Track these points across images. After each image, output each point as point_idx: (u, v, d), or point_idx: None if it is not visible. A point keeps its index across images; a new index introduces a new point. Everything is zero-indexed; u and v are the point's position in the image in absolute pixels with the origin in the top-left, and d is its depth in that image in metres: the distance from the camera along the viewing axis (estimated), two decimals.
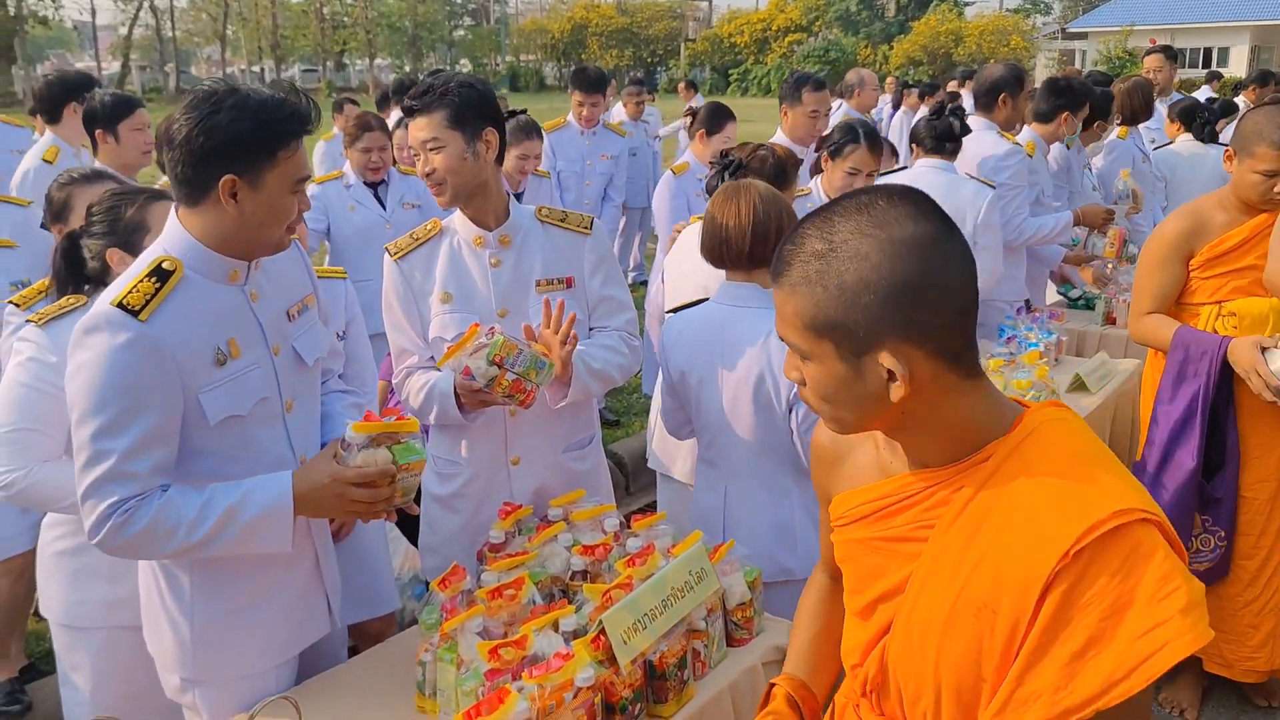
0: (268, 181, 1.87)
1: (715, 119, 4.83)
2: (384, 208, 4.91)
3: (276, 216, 1.92)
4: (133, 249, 2.27)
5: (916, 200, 1.21)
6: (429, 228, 2.57)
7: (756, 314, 2.50)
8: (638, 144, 8.33)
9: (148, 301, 1.83)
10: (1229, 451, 3.06)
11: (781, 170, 3.31)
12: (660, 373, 2.77)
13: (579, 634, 1.99)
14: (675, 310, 2.73)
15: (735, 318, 2.52)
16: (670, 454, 3.24)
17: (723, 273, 2.63)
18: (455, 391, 2.41)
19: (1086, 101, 4.84)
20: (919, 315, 1.16)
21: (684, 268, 3.18)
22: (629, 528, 2.40)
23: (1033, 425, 1.24)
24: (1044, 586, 1.13)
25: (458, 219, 2.55)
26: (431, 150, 2.39)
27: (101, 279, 2.34)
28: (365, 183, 4.89)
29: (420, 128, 2.39)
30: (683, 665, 2.03)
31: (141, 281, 1.85)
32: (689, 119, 5.78)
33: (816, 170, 3.98)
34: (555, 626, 2.00)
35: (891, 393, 1.18)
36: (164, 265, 1.89)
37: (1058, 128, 4.77)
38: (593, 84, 6.62)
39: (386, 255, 2.57)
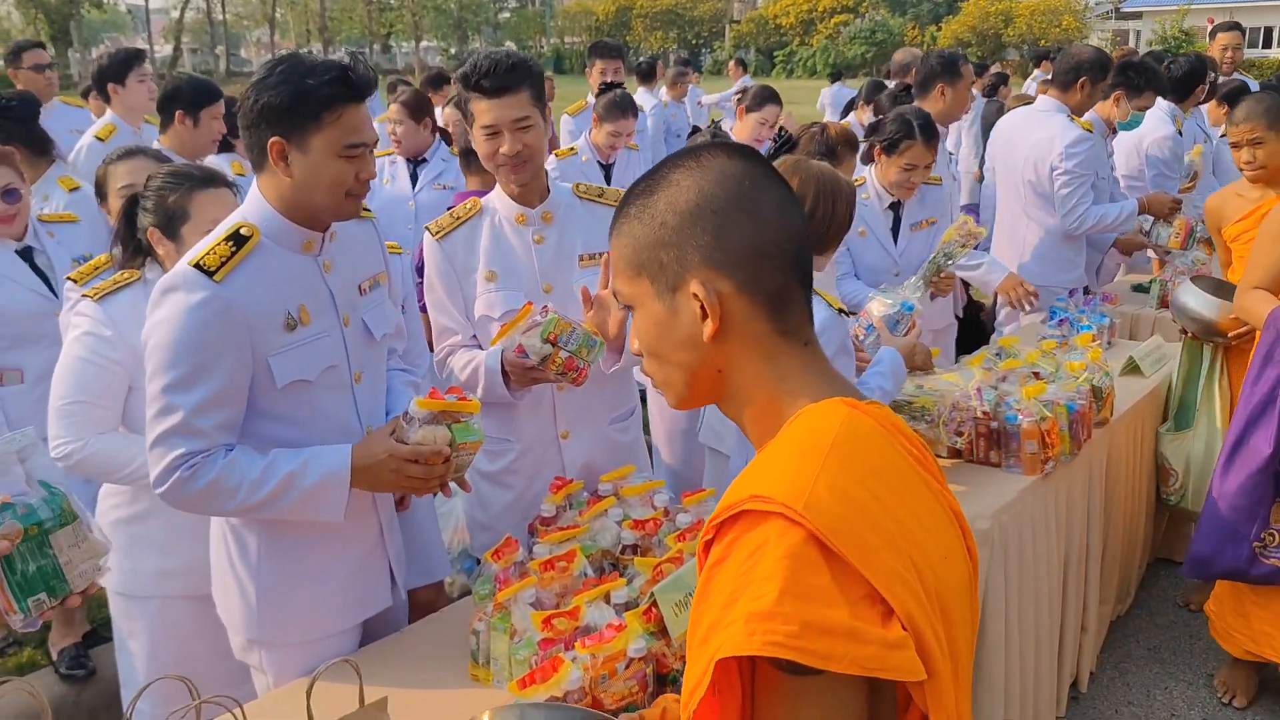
0: (314, 145, 1.91)
1: (757, 99, 4.92)
2: (414, 185, 4.95)
3: (328, 180, 1.95)
4: (171, 233, 2.35)
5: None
6: (470, 206, 2.56)
7: None
8: (680, 125, 8.30)
9: (223, 263, 1.90)
10: None
11: (830, 149, 3.31)
12: None
13: (630, 606, 2.01)
14: None
15: None
16: (718, 431, 3.25)
17: None
18: (504, 369, 2.43)
19: (1148, 89, 4.74)
20: (725, 240, 1.10)
21: None
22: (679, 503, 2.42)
23: (805, 411, 1.11)
24: (701, 556, 1.09)
25: (497, 198, 2.54)
26: (521, 129, 2.37)
27: (151, 252, 2.40)
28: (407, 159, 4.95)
29: (510, 106, 2.35)
30: None
31: (219, 244, 1.93)
32: (738, 96, 5.78)
33: (868, 159, 3.85)
34: (607, 599, 2.02)
35: (704, 330, 1.10)
36: (241, 231, 1.96)
37: (1112, 108, 4.69)
38: (612, 50, 6.54)
39: (427, 235, 2.56)
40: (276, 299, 1.97)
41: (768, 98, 4.82)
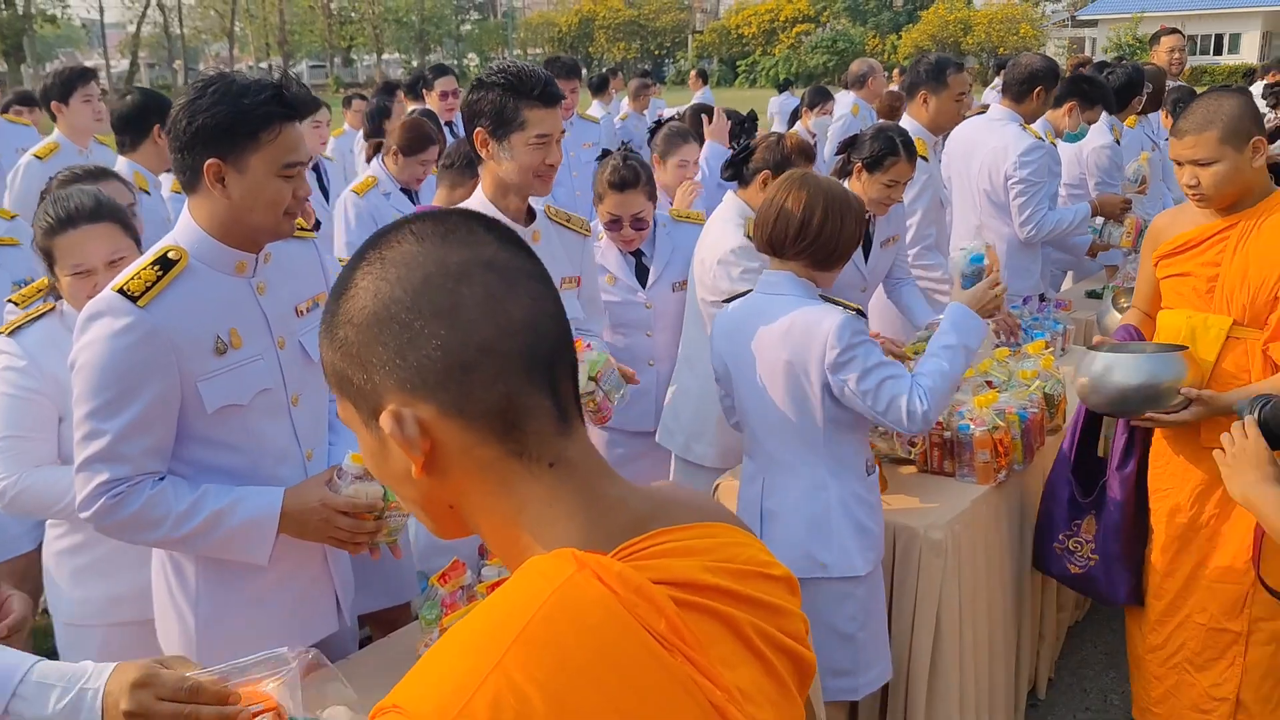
0: (252, 164, 1.88)
1: (668, 142, 4.60)
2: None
3: (266, 200, 1.92)
4: (52, 271, 2.29)
5: (451, 230, 0.89)
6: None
7: (783, 300, 2.50)
8: (641, 138, 8.30)
9: (148, 288, 1.88)
10: (1120, 476, 2.92)
11: (784, 159, 3.30)
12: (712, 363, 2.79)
13: None
14: (727, 300, 2.74)
15: (767, 305, 2.52)
16: (669, 428, 3.32)
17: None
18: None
19: (1099, 103, 4.79)
20: (413, 354, 0.85)
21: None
22: None
23: (527, 567, 0.86)
24: None
25: (483, 210, 2.50)
26: (556, 141, 2.42)
27: None
28: (402, 189, 4.68)
29: (559, 117, 2.42)
30: None
31: (145, 269, 1.90)
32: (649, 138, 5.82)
33: (842, 173, 3.73)
34: None
35: (412, 469, 0.88)
36: (169, 254, 1.93)
37: (1064, 117, 4.74)
38: (569, 69, 6.52)
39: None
40: (205, 323, 1.94)
41: (681, 138, 4.50)
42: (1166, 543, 2.82)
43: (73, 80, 4.79)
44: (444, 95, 6.34)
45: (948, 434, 3.02)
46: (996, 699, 3.06)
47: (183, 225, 1.98)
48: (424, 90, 6.43)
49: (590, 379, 2.35)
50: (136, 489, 1.88)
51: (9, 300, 2.57)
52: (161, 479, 1.93)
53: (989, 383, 3.24)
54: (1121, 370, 2.67)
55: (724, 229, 3.21)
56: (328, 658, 2.24)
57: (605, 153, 3.40)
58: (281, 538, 2.00)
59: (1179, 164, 2.65)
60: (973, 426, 2.95)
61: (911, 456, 3.06)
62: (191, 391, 1.92)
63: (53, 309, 2.36)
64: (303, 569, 2.15)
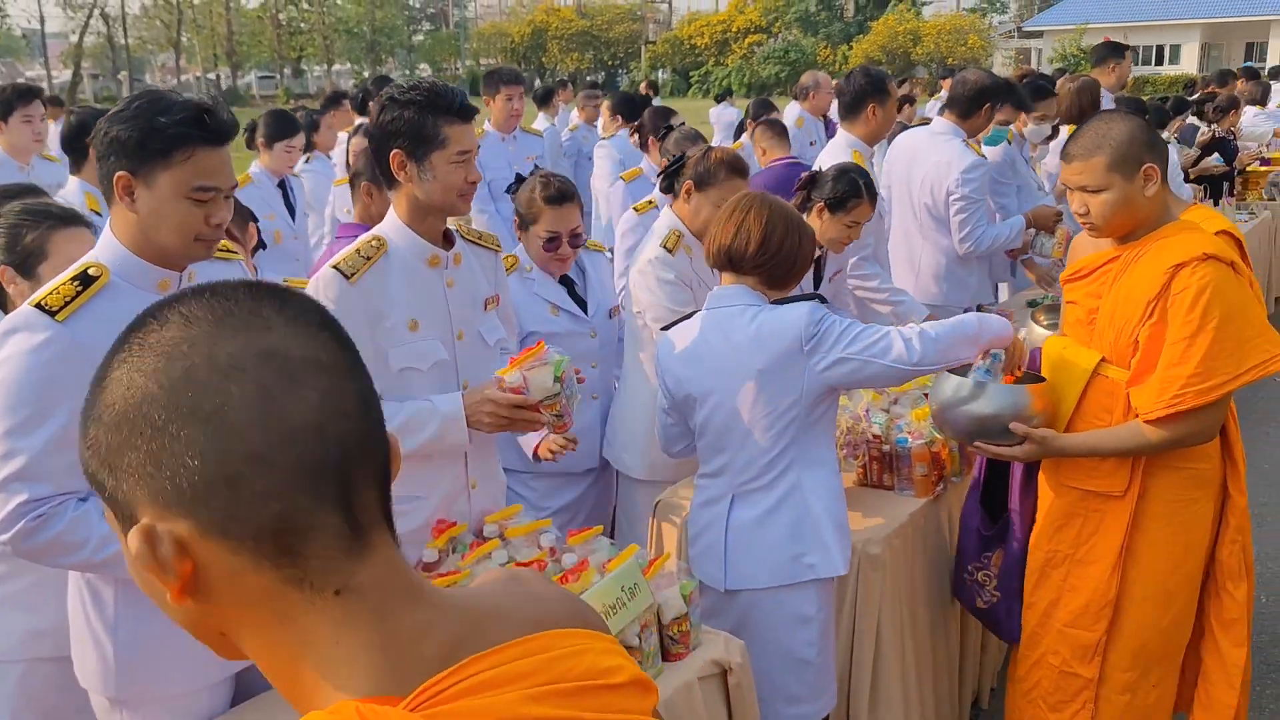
0: (160, 182, 1.87)
1: (528, 212, 4.69)
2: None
3: (172, 221, 1.89)
4: (27, 273, 2.25)
5: (228, 308, 0.78)
6: (375, 244, 2.35)
7: (743, 310, 2.49)
8: (590, 149, 8.29)
9: (67, 303, 1.85)
10: (1019, 511, 2.82)
11: (707, 172, 3.30)
12: (660, 391, 2.72)
13: None
14: (668, 326, 2.70)
15: (729, 319, 2.49)
16: (610, 441, 3.30)
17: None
18: (468, 413, 2.37)
19: (1008, 104, 4.80)
20: (168, 463, 0.72)
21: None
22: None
23: None
24: None
25: (401, 236, 2.37)
26: (474, 157, 2.39)
27: None
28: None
29: (474, 135, 2.40)
30: None
31: (64, 284, 1.88)
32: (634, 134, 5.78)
33: (800, 210, 3.59)
34: None
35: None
36: (89, 271, 1.90)
37: (975, 122, 4.71)
38: (515, 76, 6.46)
39: (337, 277, 2.28)
40: None
41: (691, 141, 4.37)
42: (1029, 573, 2.75)
43: (12, 100, 4.76)
44: None
45: (887, 447, 3.03)
46: (942, 710, 3.06)
47: (104, 242, 1.96)
48: (372, 104, 6.37)
49: (555, 380, 2.31)
50: (59, 510, 1.83)
51: None
52: (84, 500, 1.88)
53: (926, 395, 3.26)
54: (966, 399, 2.55)
55: (648, 241, 3.23)
56: (260, 681, 2.19)
57: (519, 179, 3.30)
58: None
59: (1069, 190, 2.52)
60: (910, 440, 2.96)
61: (853, 470, 3.07)
62: None
63: None
64: None
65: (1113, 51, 6.71)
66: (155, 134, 1.84)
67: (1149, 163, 2.41)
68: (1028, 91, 5.21)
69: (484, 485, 2.55)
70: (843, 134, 4.40)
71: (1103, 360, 2.52)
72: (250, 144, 5.79)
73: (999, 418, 2.50)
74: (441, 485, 2.49)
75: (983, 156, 4.54)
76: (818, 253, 3.63)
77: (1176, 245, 2.41)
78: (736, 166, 3.34)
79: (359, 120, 6.33)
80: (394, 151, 2.29)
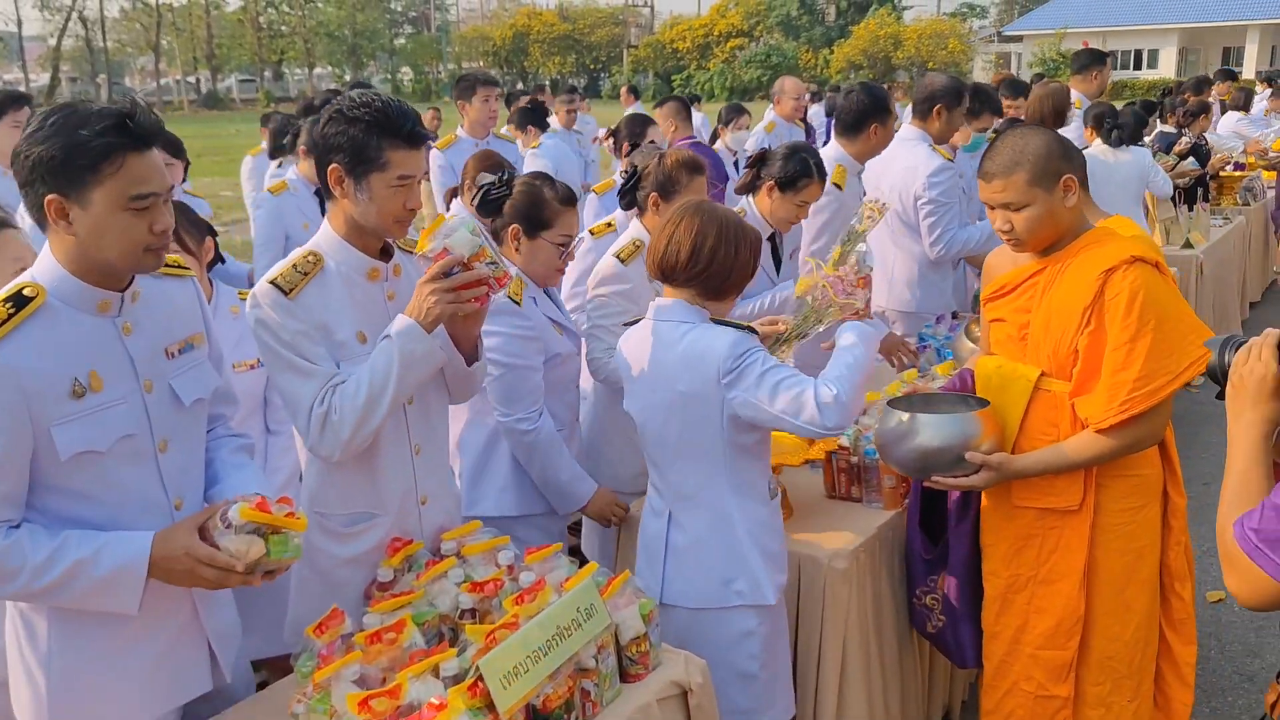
0: (95, 199, 1.78)
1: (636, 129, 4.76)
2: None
3: (114, 237, 1.81)
4: None
5: None
6: (312, 260, 2.26)
7: (675, 326, 2.43)
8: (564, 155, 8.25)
9: None
10: (958, 532, 2.75)
11: (667, 178, 3.26)
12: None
13: (460, 679, 1.90)
14: (631, 323, 2.65)
15: (665, 333, 2.45)
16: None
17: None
18: (419, 312, 2.22)
19: (985, 111, 4.83)
20: None
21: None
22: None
23: None
24: None
25: (340, 250, 2.28)
26: (418, 184, 2.29)
27: None
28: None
29: (421, 161, 2.29)
30: (570, 707, 1.96)
31: None
32: (609, 139, 5.72)
33: (746, 189, 3.68)
34: (436, 672, 1.91)
35: None
36: (24, 292, 1.82)
37: (933, 124, 4.67)
38: (490, 79, 6.38)
39: (274, 291, 2.19)
40: (61, 364, 1.82)
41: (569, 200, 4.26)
42: (989, 602, 2.69)
43: (3, 106, 4.74)
44: None
45: (854, 459, 2.99)
46: None
47: (42, 261, 1.88)
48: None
49: (471, 233, 2.20)
50: None
51: None
52: (16, 527, 1.81)
53: None
54: (912, 431, 2.47)
55: (606, 255, 3.19)
56: (208, 714, 2.13)
57: (486, 187, 3.04)
58: (148, 587, 1.88)
59: (991, 208, 2.47)
60: (879, 451, 2.93)
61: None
62: (44, 436, 1.80)
63: None
64: (168, 621, 2.01)
65: (1094, 59, 6.74)
66: (79, 149, 1.75)
67: (1067, 174, 2.40)
68: (1006, 90, 5.23)
69: (436, 501, 2.48)
70: (834, 147, 4.37)
71: (1042, 374, 2.49)
72: (280, 150, 5.73)
73: (948, 450, 2.44)
74: (391, 501, 2.39)
75: (949, 161, 4.52)
76: (770, 231, 3.63)
77: (1102, 251, 2.40)
78: (694, 166, 3.29)
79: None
80: (332, 165, 2.20)
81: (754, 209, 3.64)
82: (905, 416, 2.49)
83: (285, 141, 5.93)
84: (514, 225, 2.92)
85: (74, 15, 47.91)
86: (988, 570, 2.68)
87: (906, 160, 4.49)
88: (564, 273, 3.07)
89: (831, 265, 2.78)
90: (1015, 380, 2.52)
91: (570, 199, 2.99)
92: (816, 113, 11.61)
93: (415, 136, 2.20)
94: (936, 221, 4.43)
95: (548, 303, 3.02)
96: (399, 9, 61.47)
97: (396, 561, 2.33)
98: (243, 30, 53.75)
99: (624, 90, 14.92)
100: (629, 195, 3.32)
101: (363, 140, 2.16)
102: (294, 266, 2.23)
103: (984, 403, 2.56)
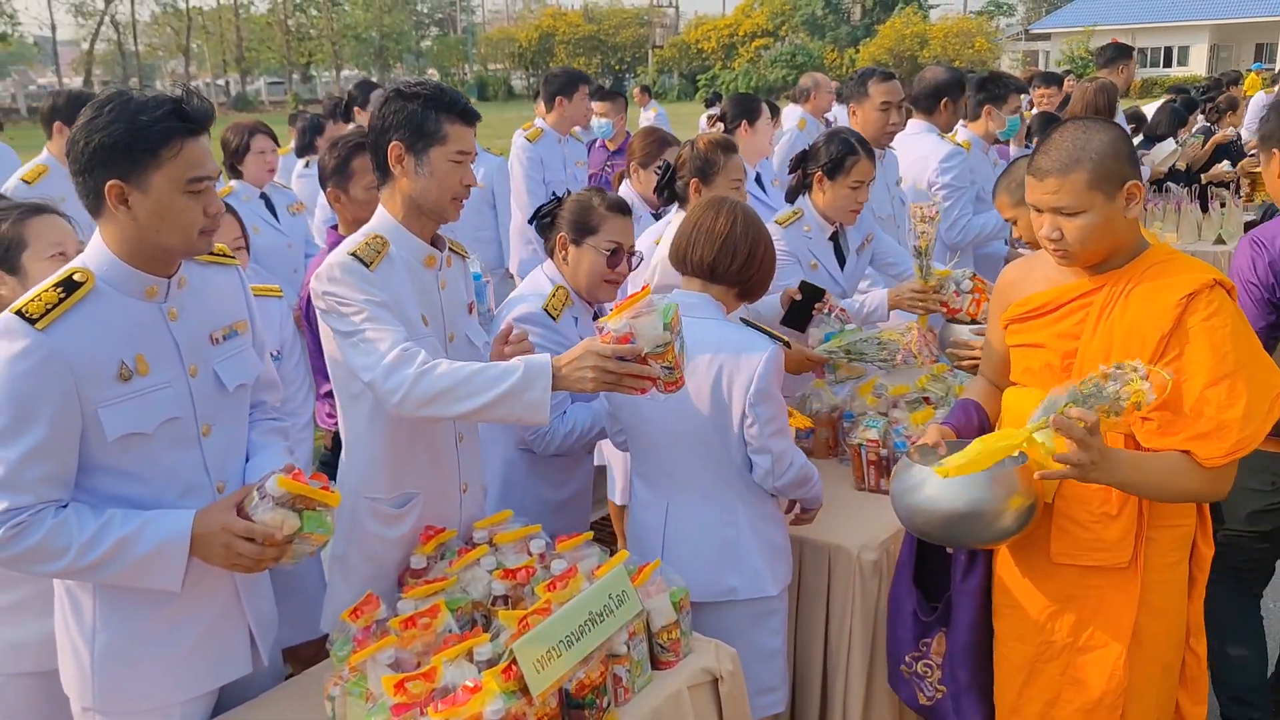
0: (155, 183, 1.84)
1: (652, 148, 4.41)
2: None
3: (173, 220, 1.87)
4: (9, 265, 2.21)
5: None
6: (380, 241, 2.27)
7: (706, 324, 2.44)
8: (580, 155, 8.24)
9: (48, 310, 1.81)
10: (965, 590, 2.40)
11: (705, 161, 3.26)
12: None
13: (494, 663, 1.92)
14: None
15: (685, 326, 2.42)
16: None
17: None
18: (567, 373, 2.13)
19: (1009, 93, 4.84)
20: None
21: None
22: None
23: None
24: None
25: (396, 233, 2.31)
26: (471, 163, 2.35)
27: None
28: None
29: (474, 140, 2.37)
30: (602, 692, 1.97)
31: (47, 290, 1.84)
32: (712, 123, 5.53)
33: (800, 188, 3.61)
34: (470, 656, 1.93)
35: None
36: (75, 276, 1.87)
37: (986, 123, 4.79)
38: (587, 77, 6.30)
39: (357, 264, 2.20)
40: (109, 348, 1.87)
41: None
42: (1009, 673, 2.33)
43: (81, 102, 4.78)
44: None
45: (884, 451, 2.99)
46: None
47: (92, 248, 1.93)
48: (356, 109, 6.31)
49: (665, 327, 2.08)
50: (38, 518, 1.81)
51: None
52: (64, 507, 1.85)
53: (926, 399, 3.22)
54: (937, 493, 2.07)
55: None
56: (246, 696, 2.17)
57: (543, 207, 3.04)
58: (191, 565, 1.92)
59: (1038, 211, 2.14)
60: (909, 444, 2.92)
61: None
62: (91, 418, 1.85)
63: None
64: (210, 603, 2.06)
65: (1120, 53, 6.71)
66: (140, 134, 1.81)
67: (1132, 180, 2.08)
68: (1040, 81, 5.28)
69: (473, 489, 2.52)
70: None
71: None
72: (307, 149, 5.78)
73: (976, 516, 2.05)
74: (435, 485, 2.44)
75: (959, 147, 4.56)
76: (832, 228, 3.60)
77: (1176, 273, 2.11)
78: (728, 145, 3.31)
79: (351, 128, 6.29)
80: (393, 143, 2.26)
81: (812, 209, 3.55)
82: (927, 471, 2.08)
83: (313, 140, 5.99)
84: (561, 234, 2.89)
85: (106, 20, 48.54)
86: (1009, 635, 2.33)
87: (917, 151, 4.57)
88: (616, 286, 2.92)
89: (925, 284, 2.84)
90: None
91: (620, 207, 2.91)
92: (841, 112, 11.53)
93: (470, 113, 2.30)
94: (951, 206, 4.48)
95: (589, 325, 2.89)
96: (425, 11, 61.82)
97: (430, 549, 2.36)
98: (271, 33, 54.21)
99: (637, 90, 14.11)
100: (668, 189, 3.32)
101: (421, 115, 2.25)
102: (367, 244, 2.26)
103: (1009, 442, 2.06)
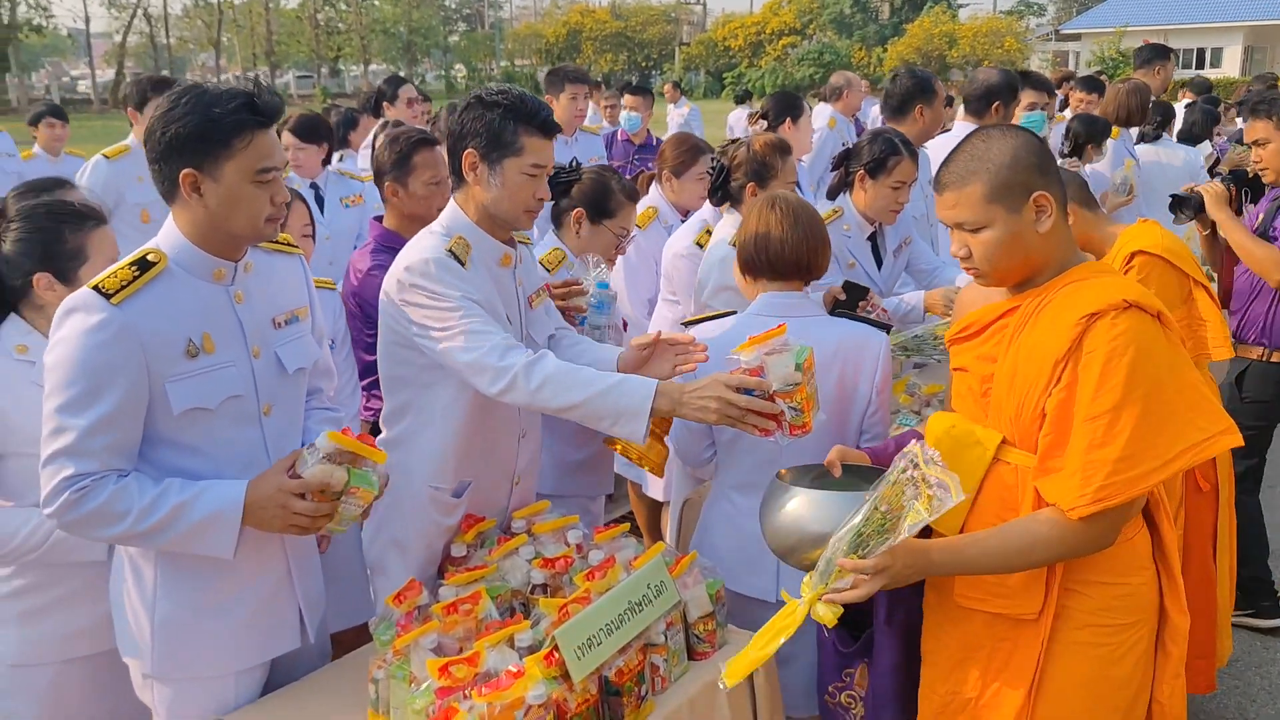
0: (226, 172, 1.91)
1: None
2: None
3: (242, 207, 1.95)
4: (65, 277, 2.24)
5: None
6: (462, 242, 2.32)
7: (818, 320, 2.49)
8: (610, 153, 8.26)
9: (123, 287, 1.90)
10: (887, 631, 2.18)
11: (762, 164, 3.27)
12: None
13: (534, 650, 1.96)
14: (692, 323, 2.65)
15: (794, 327, 2.36)
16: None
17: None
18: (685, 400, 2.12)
19: (1016, 91, 4.72)
20: None
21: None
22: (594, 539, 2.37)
23: None
24: None
25: (476, 235, 2.34)
26: (547, 175, 2.36)
27: (16, 297, 2.26)
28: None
29: (552, 153, 2.38)
30: (640, 680, 2.00)
31: (122, 268, 1.93)
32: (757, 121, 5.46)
33: (841, 187, 3.60)
34: (511, 642, 1.97)
35: None
36: (148, 257, 1.96)
37: (990, 120, 4.68)
38: (580, 75, 6.22)
39: (453, 261, 2.27)
40: (178, 325, 1.95)
41: (633, 196, 3.75)
42: (930, 716, 2.13)
43: (158, 87, 5.00)
44: (410, 103, 6.27)
45: None
46: None
47: (165, 231, 2.02)
48: (385, 104, 6.35)
49: (798, 368, 2.04)
50: (100, 484, 1.88)
51: None
52: (125, 474, 1.93)
53: None
54: (802, 513, 1.94)
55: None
56: (293, 676, 2.22)
57: (562, 173, 3.17)
58: (246, 542, 1.98)
59: (951, 230, 1.98)
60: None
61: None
62: (159, 391, 1.93)
63: None
64: (264, 579, 2.13)
65: (1157, 53, 6.64)
66: (213, 125, 1.88)
67: (1039, 190, 1.89)
68: (1080, 86, 5.17)
69: (525, 481, 2.57)
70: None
71: (1003, 442, 1.96)
72: (342, 144, 5.85)
73: (824, 537, 1.88)
74: (490, 476, 2.49)
75: None
76: (871, 228, 3.61)
77: (1089, 291, 1.88)
78: (784, 148, 3.32)
79: (381, 122, 6.34)
80: (467, 150, 2.30)
81: (852, 208, 3.55)
82: (806, 494, 1.97)
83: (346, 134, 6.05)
84: (579, 209, 3.05)
85: (139, 13, 49.04)
86: (925, 680, 2.13)
87: None
88: (613, 264, 3.19)
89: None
90: (969, 447, 1.97)
91: (634, 195, 3.13)
92: (872, 111, 11.50)
93: (549, 126, 2.31)
94: None
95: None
96: (453, 6, 62.05)
97: (470, 537, 2.40)
98: (300, 27, 54.58)
99: (668, 86, 13.70)
100: (720, 191, 3.32)
101: (499, 125, 2.26)
102: (456, 243, 2.31)
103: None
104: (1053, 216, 1.91)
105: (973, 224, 1.92)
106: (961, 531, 1.98)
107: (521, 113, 2.26)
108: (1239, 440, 1.83)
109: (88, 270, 2.24)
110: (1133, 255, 2.85)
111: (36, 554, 2.22)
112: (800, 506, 1.94)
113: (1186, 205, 3.64)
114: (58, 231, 2.26)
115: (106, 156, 5.02)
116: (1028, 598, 1.93)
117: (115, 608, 2.14)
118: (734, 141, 3.42)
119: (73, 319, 1.88)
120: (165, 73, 49.38)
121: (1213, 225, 3.65)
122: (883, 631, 2.18)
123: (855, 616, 2.14)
